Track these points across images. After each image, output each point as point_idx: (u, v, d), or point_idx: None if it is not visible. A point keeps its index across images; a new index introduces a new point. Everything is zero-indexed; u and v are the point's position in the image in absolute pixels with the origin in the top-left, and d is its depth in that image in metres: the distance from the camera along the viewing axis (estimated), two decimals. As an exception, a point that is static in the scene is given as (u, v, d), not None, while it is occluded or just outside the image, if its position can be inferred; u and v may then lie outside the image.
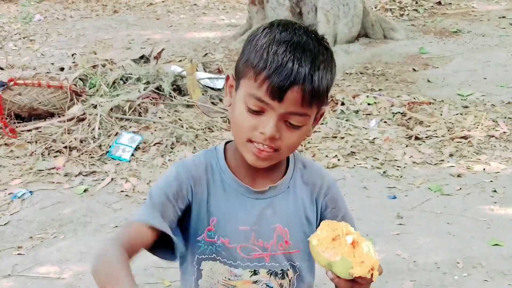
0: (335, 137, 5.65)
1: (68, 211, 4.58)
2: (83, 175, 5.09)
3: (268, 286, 1.53)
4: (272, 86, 1.34)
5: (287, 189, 1.55)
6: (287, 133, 1.39)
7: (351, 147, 5.44)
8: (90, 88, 5.97)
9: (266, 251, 1.52)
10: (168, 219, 1.45)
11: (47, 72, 6.31)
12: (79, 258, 3.95)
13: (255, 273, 1.52)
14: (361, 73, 7.53)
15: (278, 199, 1.53)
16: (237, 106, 1.43)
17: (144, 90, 5.91)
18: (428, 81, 7.27)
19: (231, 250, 1.50)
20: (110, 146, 5.38)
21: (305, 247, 1.49)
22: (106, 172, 5.11)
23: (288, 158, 1.57)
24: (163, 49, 7.08)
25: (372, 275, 1.31)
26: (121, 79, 6.07)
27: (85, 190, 4.86)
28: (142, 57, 6.75)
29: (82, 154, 5.35)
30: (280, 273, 1.54)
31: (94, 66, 6.26)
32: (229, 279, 1.51)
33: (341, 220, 1.47)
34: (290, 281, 1.56)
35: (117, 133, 5.50)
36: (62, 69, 6.47)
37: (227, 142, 1.58)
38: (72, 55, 7.19)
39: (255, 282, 1.52)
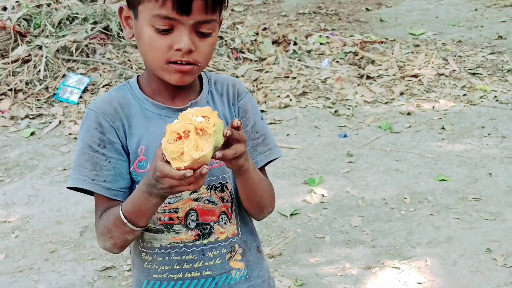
0: (287, 77, 5.62)
1: (14, 154, 4.48)
2: (30, 118, 4.97)
3: (209, 201, 1.52)
4: (177, 1, 1.35)
5: (207, 103, 1.55)
6: (200, 43, 1.42)
7: (303, 87, 5.42)
8: (35, 29, 5.76)
9: None
10: (105, 171, 1.45)
11: (-11, 12, 6.05)
12: (26, 201, 3.88)
13: (194, 190, 1.49)
14: (314, 13, 7.46)
15: None
16: (144, 32, 1.41)
17: (91, 30, 5.74)
18: (381, 20, 7.25)
19: None
20: (57, 88, 5.25)
21: None
22: (53, 115, 5.00)
23: (200, 77, 1.58)
24: (111, -12, 6.86)
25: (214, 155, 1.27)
26: (67, 19, 5.87)
27: (32, 133, 4.75)
28: (89, -4, 6.53)
29: (28, 96, 5.20)
30: (219, 186, 1.53)
31: (38, 6, 6.02)
32: (169, 203, 1.49)
33: (257, 139, 1.54)
34: (230, 192, 1.56)
35: (64, 75, 5.36)
36: (4, 8, 6.20)
37: (138, 76, 1.58)
38: (16, -6, 6.90)
39: (196, 199, 1.51)
